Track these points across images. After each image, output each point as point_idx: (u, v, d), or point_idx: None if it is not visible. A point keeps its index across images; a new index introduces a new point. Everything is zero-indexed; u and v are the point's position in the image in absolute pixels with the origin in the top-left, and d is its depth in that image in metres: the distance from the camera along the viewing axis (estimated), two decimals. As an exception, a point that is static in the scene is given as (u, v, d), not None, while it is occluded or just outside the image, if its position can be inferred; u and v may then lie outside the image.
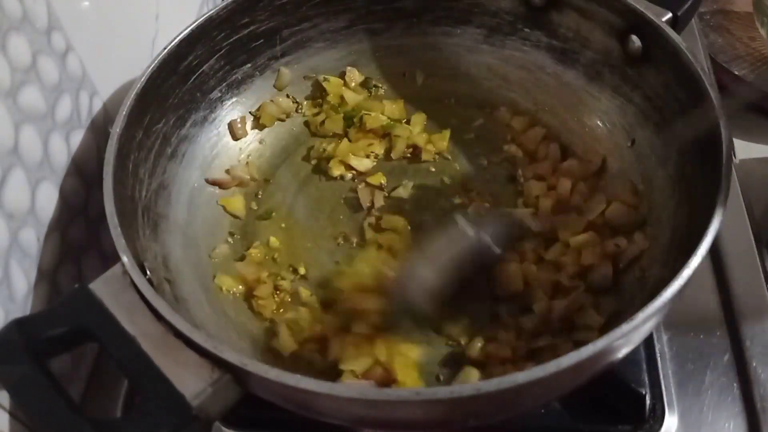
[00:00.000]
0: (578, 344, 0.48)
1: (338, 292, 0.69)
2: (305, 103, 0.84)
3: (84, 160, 0.69)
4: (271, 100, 0.82)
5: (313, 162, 0.81)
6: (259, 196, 0.78)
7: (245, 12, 0.75)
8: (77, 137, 0.68)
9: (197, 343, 0.51)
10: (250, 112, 0.82)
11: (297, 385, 0.47)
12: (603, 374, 0.56)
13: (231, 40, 0.76)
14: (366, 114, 0.81)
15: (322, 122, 0.82)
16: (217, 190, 0.77)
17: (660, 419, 0.64)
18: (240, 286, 0.70)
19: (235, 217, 0.76)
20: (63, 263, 0.67)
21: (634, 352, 0.64)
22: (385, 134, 0.81)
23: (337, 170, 0.78)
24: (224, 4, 0.73)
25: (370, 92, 0.84)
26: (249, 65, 0.80)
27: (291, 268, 0.72)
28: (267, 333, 0.68)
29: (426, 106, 0.84)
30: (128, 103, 0.64)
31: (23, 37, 0.60)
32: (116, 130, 0.62)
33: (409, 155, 0.80)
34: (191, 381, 0.51)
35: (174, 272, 0.67)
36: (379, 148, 0.80)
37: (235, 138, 0.80)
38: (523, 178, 0.76)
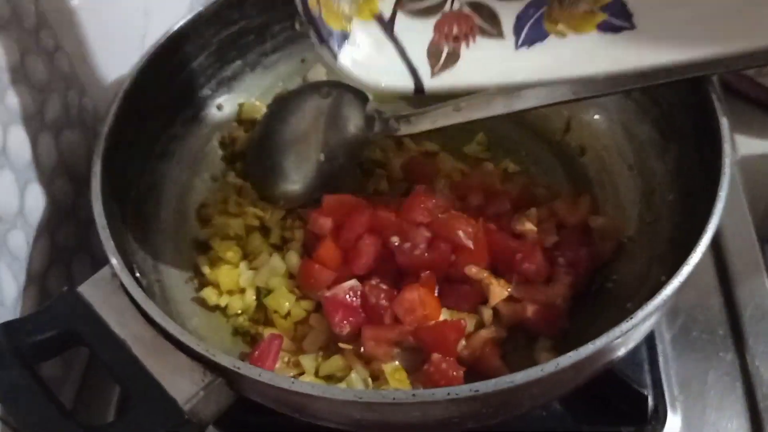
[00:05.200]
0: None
1: None
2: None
3: (73, 161, 0.69)
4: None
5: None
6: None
7: (235, 7, 0.75)
8: (66, 137, 0.68)
9: (188, 346, 0.50)
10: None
11: (290, 388, 0.47)
12: (605, 375, 0.56)
13: (221, 36, 0.75)
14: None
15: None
16: (207, 190, 0.76)
17: (662, 420, 0.63)
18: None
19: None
20: (53, 266, 0.66)
21: (635, 353, 0.64)
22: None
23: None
24: (213, -1, 0.73)
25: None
26: (239, 62, 0.79)
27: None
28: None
29: (420, 102, 0.83)
30: (116, 101, 0.63)
31: (11, 36, 0.59)
32: (104, 129, 0.61)
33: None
34: (183, 385, 0.50)
35: (164, 274, 0.66)
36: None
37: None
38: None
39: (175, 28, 0.70)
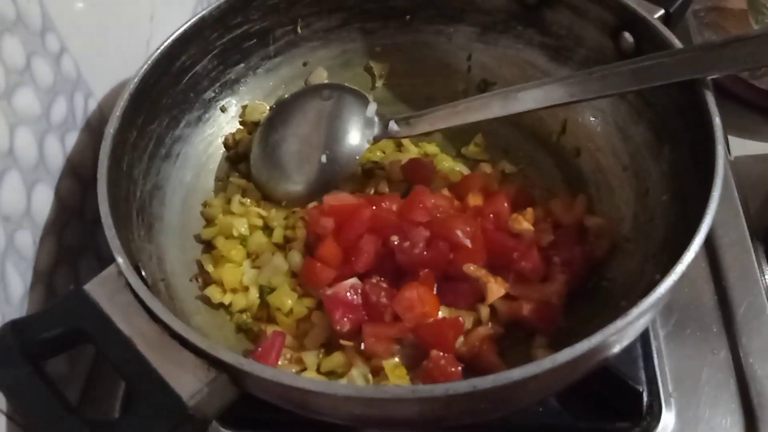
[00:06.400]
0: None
1: None
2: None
3: (79, 161, 0.69)
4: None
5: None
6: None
7: (238, 12, 0.75)
8: (72, 139, 0.68)
9: (193, 343, 0.51)
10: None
11: (293, 384, 0.48)
12: (600, 371, 0.56)
13: (224, 39, 0.76)
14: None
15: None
16: (211, 191, 0.78)
17: (657, 416, 0.64)
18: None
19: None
20: (59, 265, 0.67)
21: (630, 350, 0.64)
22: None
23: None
24: (217, 4, 0.73)
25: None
26: (242, 65, 0.80)
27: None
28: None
29: (420, 104, 0.83)
30: (122, 103, 0.64)
31: (17, 39, 0.59)
32: (110, 130, 0.62)
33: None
34: (187, 381, 0.51)
35: (169, 273, 0.67)
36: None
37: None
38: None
39: (180, 31, 0.70)
